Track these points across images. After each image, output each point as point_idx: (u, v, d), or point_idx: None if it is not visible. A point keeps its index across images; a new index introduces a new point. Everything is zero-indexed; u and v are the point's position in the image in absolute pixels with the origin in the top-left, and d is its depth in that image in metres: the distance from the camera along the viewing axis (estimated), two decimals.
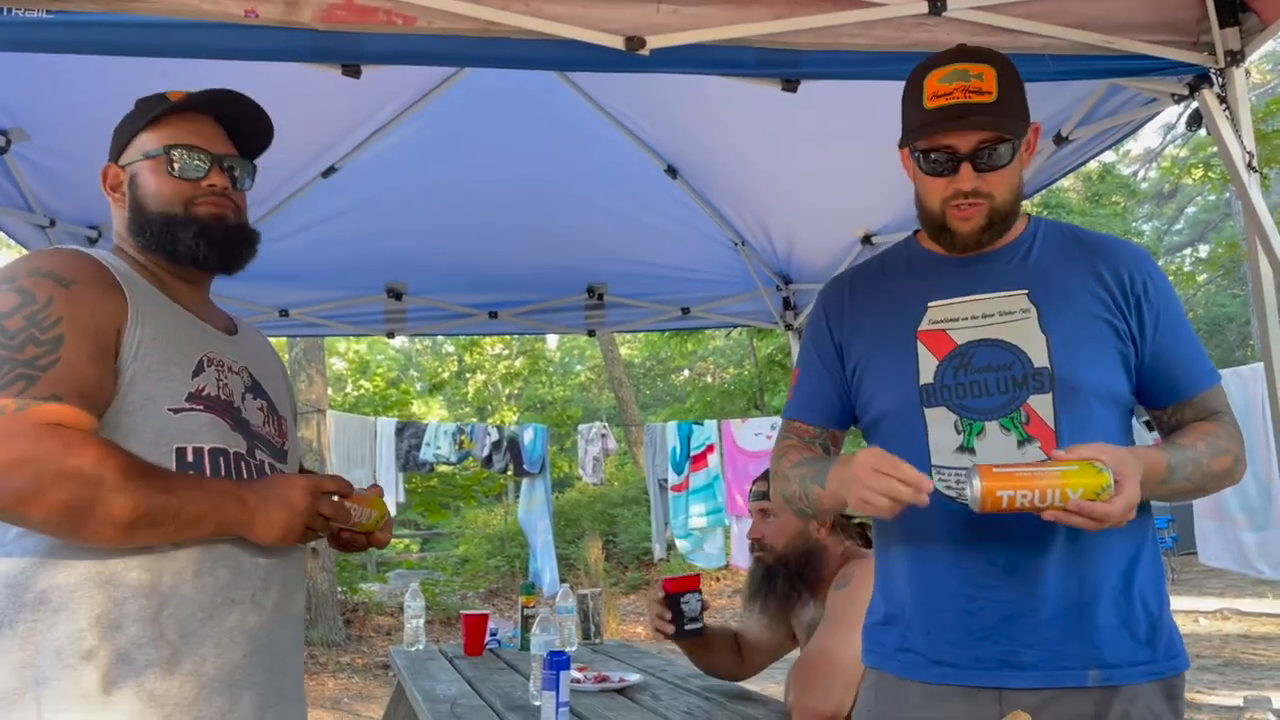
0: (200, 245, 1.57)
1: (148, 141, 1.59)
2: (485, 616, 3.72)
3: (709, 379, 22.03)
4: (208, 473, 1.48)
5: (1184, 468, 1.51)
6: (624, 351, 19.94)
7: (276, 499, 1.47)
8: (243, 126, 1.66)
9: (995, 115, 1.52)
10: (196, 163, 1.58)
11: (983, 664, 1.53)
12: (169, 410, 1.46)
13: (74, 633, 1.38)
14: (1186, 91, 2.28)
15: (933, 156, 1.56)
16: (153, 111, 1.60)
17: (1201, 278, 20.24)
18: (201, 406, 1.49)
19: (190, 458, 1.46)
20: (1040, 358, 1.54)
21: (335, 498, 1.54)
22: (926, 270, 1.68)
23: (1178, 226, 23.85)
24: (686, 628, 2.51)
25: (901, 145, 1.60)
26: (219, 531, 1.44)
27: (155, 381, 1.45)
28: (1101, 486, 1.35)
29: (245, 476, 1.52)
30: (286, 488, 1.49)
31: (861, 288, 1.75)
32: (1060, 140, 2.82)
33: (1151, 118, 2.62)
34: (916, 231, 1.75)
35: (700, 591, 2.57)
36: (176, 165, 1.57)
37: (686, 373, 23.30)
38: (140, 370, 1.44)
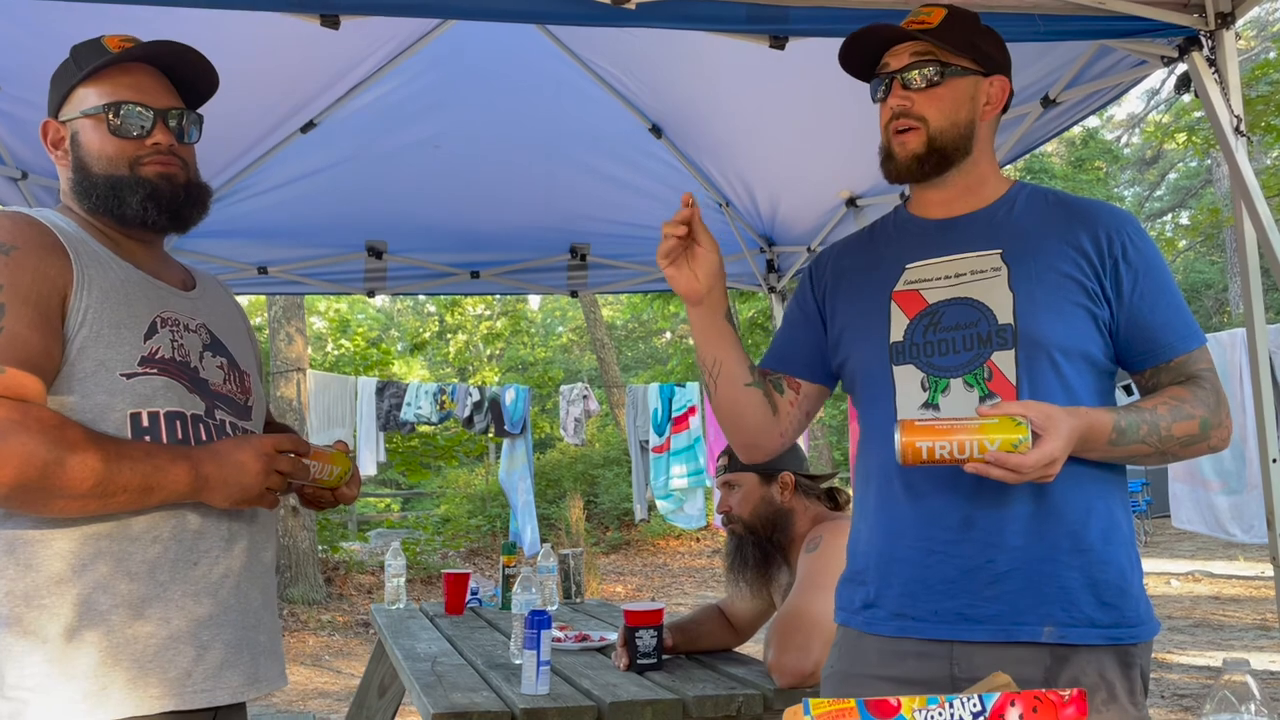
0: (149, 209, 1.52)
1: (87, 96, 1.52)
2: (466, 575, 3.73)
3: (691, 341, 22.05)
4: (164, 437, 1.45)
5: (1136, 430, 1.50)
6: (606, 313, 19.92)
7: (231, 462, 1.45)
8: (186, 75, 1.59)
9: (928, 35, 1.59)
10: (139, 120, 1.51)
11: (941, 617, 1.54)
12: (121, 375, 1.43)
13: (37, 584, 1.37)
14: (1176, 54, 2.27)
15: (875, 83, 1.65)
16: (92, 64, 1.52)
17: (1182, 244, 20.35)
18: (155, 370, 1.46)
19: (145, 423, 1.44)
20: (1005, 314, 1.55)
21: (293, 455, 1.52)
22: (908, 234, 1.70)
23: (1159, 193, 23.93)
24: (639, 662, 2.51)
25: (840, 55, 1.66)
26: (174, 499, 1.42)
27: (106, 346, 1.42)
28: (1018, 438, 1.38)
29: (205, 438, 1.50)
30: (240, 450, 1.46)
31: (848, 253, 1.77)
32: (1048, 103, 2.80)
33: (1140, 80, 2.61)
34: (906, 200, 1.75)
35: (660, 627, 2.55)
36: (118, 123, 1.51)
37: (668, 335, 23.31)
38: (90, 336, 1.41)
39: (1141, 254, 1.58)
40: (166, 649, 1.42)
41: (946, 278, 1.61)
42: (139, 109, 1.52)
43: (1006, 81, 1.65)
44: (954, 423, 1.42)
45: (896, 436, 1.41)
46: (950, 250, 1.62)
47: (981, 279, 1.58)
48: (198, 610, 1.46)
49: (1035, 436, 1.39)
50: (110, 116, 1.51)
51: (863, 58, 1.66)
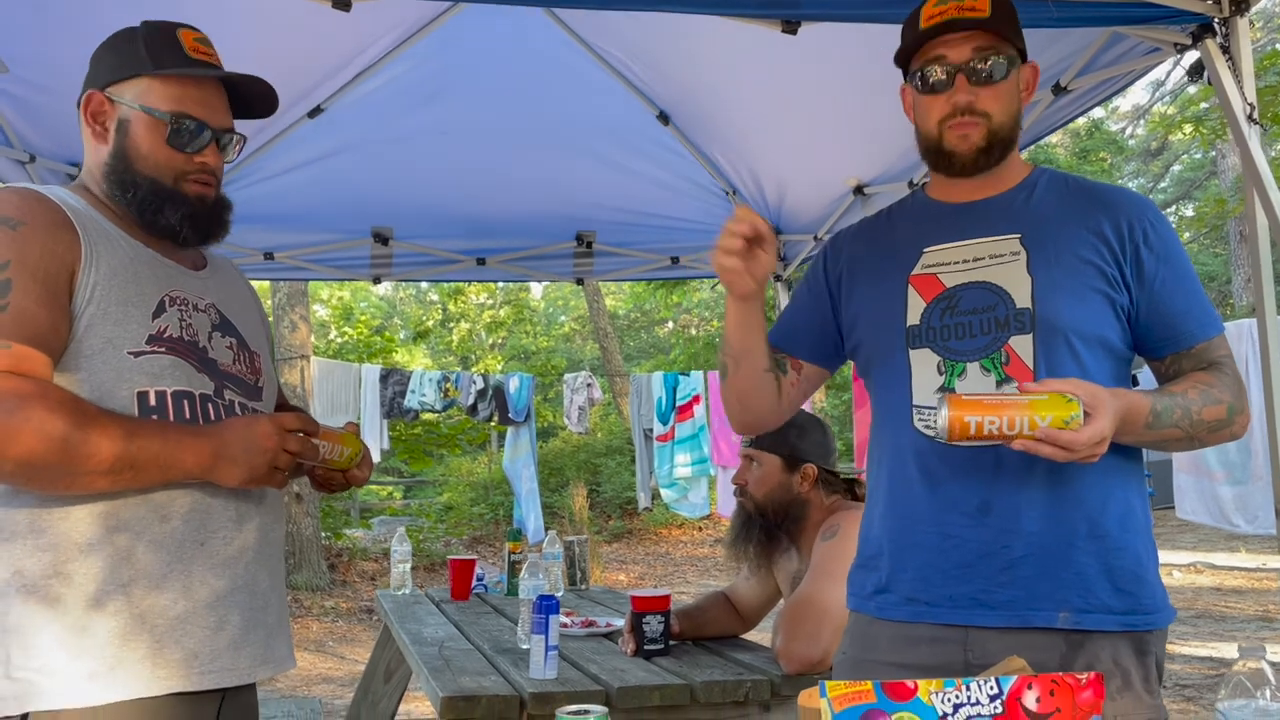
0: (184, 227, 1.53)
1: (152, 93, 1.51)
2: (472, 562, 3.74)
3: (694, 331, 22.05)
4: (171, 416, 1.45)
5: (1170, 414, 1.49)
6: (609, 302, 19.90)
7: (239, 441, 1.44)
8: (247, 96, 1.61)
9: (989, 25, 1.54)
10: (197, 138, 1.53)
11: (955, 602, 1.54)
12: (129, 353, 1.42)
13: (58, 557, 1.37)
14: (1189, 41, 2.25)
15: (928, 73, 1.57)
16: (169, 66, 1.51)
17: (1185, 236, 20.30)
18: (163, 348, 1.45)
19: (153, 401, 1.43)
20: (1023, 299, 1.54)
21: (302, 435, 1.51)
22: (927, 217, 1.68)
23: (1163, 184, 23.85)
24: (645, 648, 2.52)
25: (897, 58, 1.60)
26: (182, 477, 1.42)
27: (114, 324, 1.42)
28: (1070, 415, 1.35)
29: (213, 418, 1.49)
30: (249, 429, 1.46)
31: (864, 236, 1.76)
32: (1059, 90, 2.79)
33: (1151, 68, 2.59)
34: (925, 184, 1.74)
35: (668, 613, 2.56)
36: (178, 135, 1.51)
37: (670, 325, 23.29)
38: (97, 313, 1.41)
39: (1163, 240, 1.58)
40: (175, 628, 1.42)
41: (964, 261, 1.60)
42: (200, 127, 1.53)
43: (1036, 66, 1.65)
44: (1002, 398, 1.38)
45: (944, 412, 1.36)
46: (969, 234, 1.61)
47: (1000, 263, 1.57)
48: (204, 591, 1.46)
49: (1085, 415, 1.37)
50: (172, 125, 1.51)
51: (906, 43, 1.62)
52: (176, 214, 1.52)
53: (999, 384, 1.53)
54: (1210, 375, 1.56)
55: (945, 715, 1.04)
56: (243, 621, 1.50)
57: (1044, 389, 1.38)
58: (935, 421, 1.41)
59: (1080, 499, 1.52)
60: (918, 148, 1.66)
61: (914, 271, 1.63)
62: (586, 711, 1.17)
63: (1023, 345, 1.53)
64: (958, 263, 1.60)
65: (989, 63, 1.55)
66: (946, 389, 1.55)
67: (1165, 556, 10.45)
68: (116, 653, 1.37)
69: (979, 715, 1.04)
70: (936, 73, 1.57)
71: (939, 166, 1.63)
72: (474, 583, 3.70)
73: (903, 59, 1.63)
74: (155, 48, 1.52)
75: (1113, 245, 1.56)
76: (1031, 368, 1.52)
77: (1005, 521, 1.52)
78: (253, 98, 1.62)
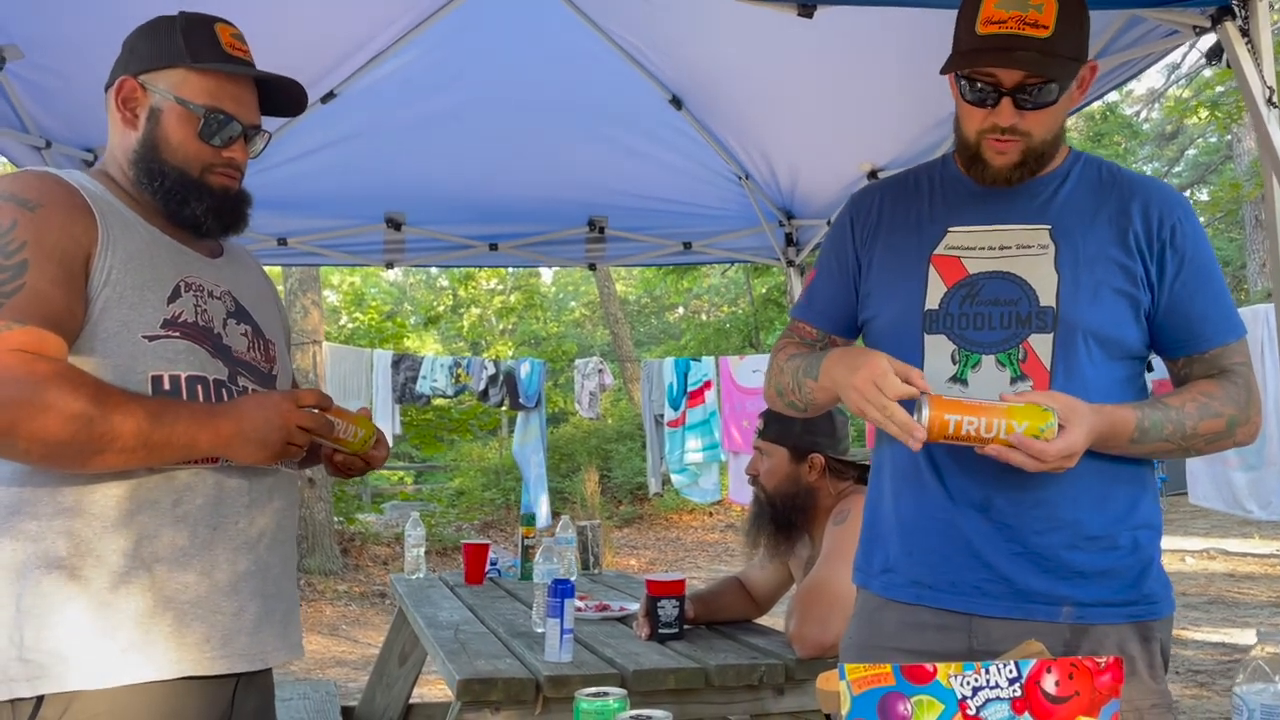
0: (208, 219, 1.54)
1: (187, 85, 1.51)
2: (486, 546, 3.76)
3: (704, 316, 22.03)
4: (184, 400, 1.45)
5: (1160, 428, 1.49)
6: (619, 288, 19.88)
7: (253, 417, 1.44)
8: (275, 94, 1.61)
9: (1044, 54, 1.45)
10: (228, 132, 1.53)
11: (958, 589, 1.54)
12: (144, 337, 1.42)
13: (72, 542, 1.37)
14: (1208, 23, 2.23)
15: (976, 85, 1.50)
16: (207, 60, 1.51)
17: (1200, 219, 20.15)
18: (178, 333, 1.46)
19: (167, 385, 1.43)
20: (1048, 296, 1.52)
21: (316, 411, 1.51)
22: (955, 193, 1.64)
23: (1178, 168, 23.68)
24: (660, 632, 2.53)
25: (945, 68, 1.53)
26: (196, 454, 1.42)
27: (129, 308, 1.42)
28: (1045, 424, 1.38)
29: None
30: (264, 405, 1.46)
31: (890, 202, 1.71)
32: None
33: (1169, 51, 2.58)
34: (954, 151, 1.69)
35: (682, 597, 2.57)
36: (210, 129, 1.52)
37: (681, 310, 23.27)
38: (113, 296, 1.41)
39: (1189, 239, 1.55)
40: (195, 611, 1.43)
41: (990, 248, 1.57)
42: (232, 122, 1.53)
43: (1095, 65, 1.59)
44: (981, 402, 1.41)
45: (925, 412, 1.39)
46: (998, 218, 1.59)
47: (1027, 255, 1.55)
48: (222, 575, 1.46)
49: (1059, 427, 1.38)
50: (205, 119, 1.51)
51: (959, 35, 1.52)
52: (201, 205, 1.53)
53: (1013, 381, 1.51)
54: (1216, 385, 1.54)
55: (964, 698, 1.05)
56: (260, 606, 1.51)
57: (1021, 399, 1.40)
58: (919, 419, 1.41)
59: (1081, 498, 1.51)
60: (954, 137, 1.62)
61: (937, 250, 1.60)
62: (606, 694, 1.18)
63: (1042, 344, 1.52)
64: (983, 248, 1.57)
65: (1037, 92, 1.48)
66: (958, 379, 1.54)
67: (1178, 542, 10.49)
68: (136, 635, 1.38)
69: (998, 699, 1.05)
70: (982, 89, 1.50)
71: (971, 171, 1.59)
72: (488, 567, 3.72)
73: (954, 46, 1.55)
74: (193, 40, 1.52)
75: (1140, 240, 1.54)
76: (1048, 367, 1.51)
77: (1007, 519, 1.52)
78: (282, 97, 1.63)
